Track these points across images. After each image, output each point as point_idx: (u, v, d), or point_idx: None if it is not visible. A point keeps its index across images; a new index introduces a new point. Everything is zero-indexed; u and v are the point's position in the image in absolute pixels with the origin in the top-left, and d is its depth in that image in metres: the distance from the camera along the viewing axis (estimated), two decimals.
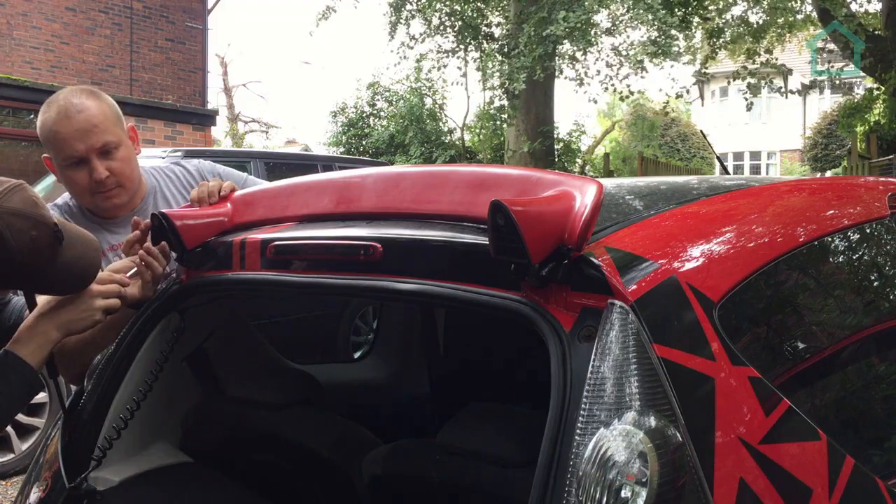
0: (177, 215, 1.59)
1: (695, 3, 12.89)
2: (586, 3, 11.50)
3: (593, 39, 12.31)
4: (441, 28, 14.27)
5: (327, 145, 19.46)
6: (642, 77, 12.76)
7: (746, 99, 13.33)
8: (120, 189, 1.89)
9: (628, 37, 12.31)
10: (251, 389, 1.87)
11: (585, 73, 13.33)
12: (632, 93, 13.37)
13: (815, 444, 1.08)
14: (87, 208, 1.96)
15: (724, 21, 13.48)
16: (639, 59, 11.56)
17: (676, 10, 11.94)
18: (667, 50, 11.36)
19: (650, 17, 10.89)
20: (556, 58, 13.20)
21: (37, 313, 1.43)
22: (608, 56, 13.26)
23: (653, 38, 11.29)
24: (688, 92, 13.89)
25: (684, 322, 1.05)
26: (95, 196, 1.88)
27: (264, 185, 1.85)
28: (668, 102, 13.47)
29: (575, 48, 12.42)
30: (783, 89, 13.55)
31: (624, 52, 12.10)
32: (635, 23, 11.71)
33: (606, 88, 13.48)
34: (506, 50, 13.16)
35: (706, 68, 13.98)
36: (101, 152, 1.83)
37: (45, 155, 1.91)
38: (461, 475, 1.43)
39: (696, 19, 13.32)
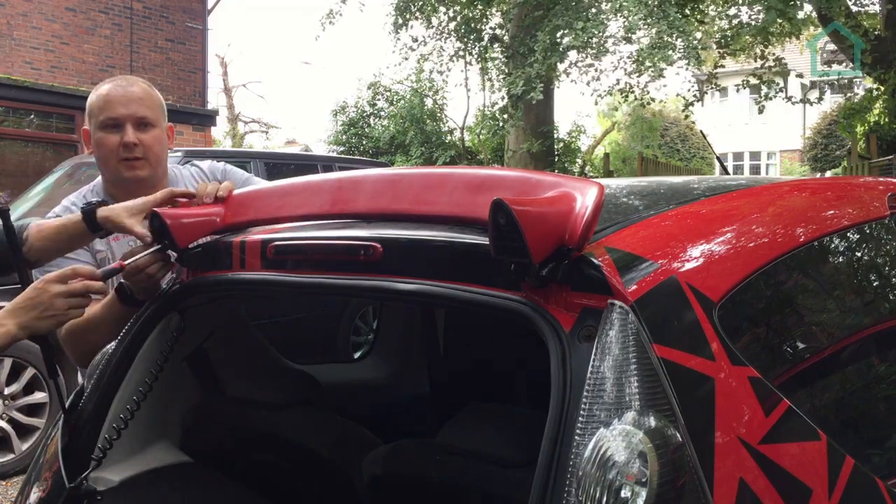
0: (168, 214, 1.59)
1: (693, 4, 12.87)
2: (605, 7, 11.48)
3: (606, 48, 12.28)
4: (444, 32, 14.23)
5: (327, 144, 19.48)
6: (664, 86, 12.72)
7: (758, 102, 13.32)
8: (144, 162, 1.98)
9: (649, 45, 12.22)
10: (251, 389, 1.87)
11: (598, 78, 13.25)
12: (653, 100, 13.29)
13: (815, 445, 1.08)
14: (108, 180, 2.04)
15: (732, 28, 13.42)
16: (659, 66, 11.49)
17: (684, 9, 11.91)
18: (688, 52, 11.34)
19: (663, 23, 10.85)
20: (568, 64, 13.18)
21: (5, 310, 1.45)
22: (625, 64, 13.20)
23: (662, 39, 11.24)
24: (702, 97, 13.85)
25: (684, 322, 1.05)
26: (120, 164, 1.97)
27: (260, 185, 1.85)
28: (686, 107, 13.39)
29: (590, 55, 12.37)
30: (786, 94, 13.46)
31: (640, 60, 12.00)
32: (645, 25, 11.64)
33: (627, 97, 13.42)
34: (510, 53, 13.11)
35: (715, 77, 13.96)
36: (138, 123, 1.96)
37: (84, 127, 2.03)
38: (461, 475, 1.43)
39: (696, 19, 13.29)
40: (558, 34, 11.60)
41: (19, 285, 1.65)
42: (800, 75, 13.46)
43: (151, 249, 1.60)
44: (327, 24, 14.18)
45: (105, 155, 1.97)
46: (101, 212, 1.68)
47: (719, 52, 13.63)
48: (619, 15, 11.94)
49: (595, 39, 11.60)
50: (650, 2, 10.97)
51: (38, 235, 1.71)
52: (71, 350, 1.83)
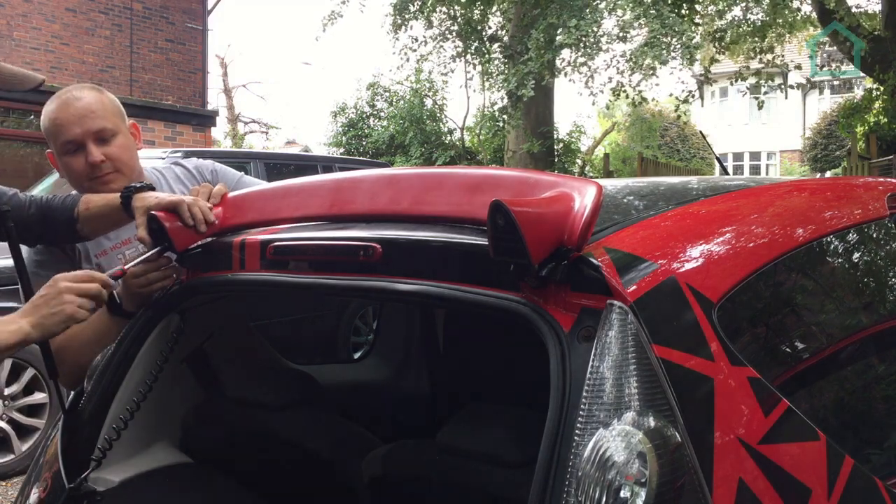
0: (166, 217, 1.58)
1: (687, 3, 12.87)
2: (600, 5, 11.47)
3: (602, 46, 12.28)
4: (445, 34, 14.25)
5: (327, 145, 19.47)
6: (657, 85, 12.70)
7: (757, 98, 13.29)
8: (117, 174, 1.88)
9: (643, 43, 12.21)
10: (251, 390, 1.87)
11: (592, 77, 13.23)
12: (644, 99, 13.28)
13: (815, 445, 1.08)
14: None
15: (725, 22, 13.41)
16: (652, 65, 11.49)
17: (679, 9, 11.93)
18: (682, 52, 11.35)
19: (657, 22, 10.86)
20: (563, 62, 13.18)
21: (18, 311, 1.45)
22: (618, 63, 13.18)
23: (656, 38, 11.24)
24: (694, 96, 13.83)
25: (683, 322, 1.05)
26: (93, 182, 1.86)
27: (258, 187, 1.85)
28: (678, 107, 13.34)
29: (584, 53, 12.38)
30: (784, 86, 13.47)
31: (633, 59, 11.99)
32: (640, 24, 11.64)
33: (619, 96, 13.41)
34: (510, 53, 13.12)
35: (709, 72, 13.94)
36: (98, 138, 1.85)
37: (48, 150, 1.92)
38: (461, 475, 1.43)
39: (696, 18, 13.29)
40: (554, 32, 11.61)
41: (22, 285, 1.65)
42: (798, 66, 13.38)
43: (151, 252, 1.59)
44: (329, 25, 14.18)
45: (75, 178, 1.87)
46: (135, 201, 1.64)
47: (716, 47, 13.61)
48: (613, 14, 11.94)
49: (590, 38, 11.61)
50: (645, 0, 10.97)
51: (86, 214, 1.70)
52: (63, 374, 1.73)
